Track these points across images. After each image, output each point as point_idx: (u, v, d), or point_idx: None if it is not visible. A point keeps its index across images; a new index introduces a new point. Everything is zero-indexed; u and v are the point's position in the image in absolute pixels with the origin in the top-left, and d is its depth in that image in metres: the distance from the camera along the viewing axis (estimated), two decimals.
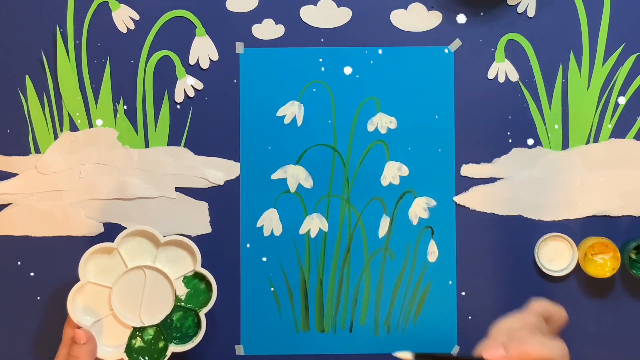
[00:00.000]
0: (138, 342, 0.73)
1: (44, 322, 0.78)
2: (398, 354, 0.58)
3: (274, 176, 0.79)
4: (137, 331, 0.73)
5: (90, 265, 0.72)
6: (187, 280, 0.74)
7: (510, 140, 0.79)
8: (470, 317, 0.78)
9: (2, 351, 0.79)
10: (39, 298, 0.78)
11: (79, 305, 0.72)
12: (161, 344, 0.73)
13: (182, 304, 0.73)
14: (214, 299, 0.73)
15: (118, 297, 0.72)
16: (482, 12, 0.79)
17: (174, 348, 0.73)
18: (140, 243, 0.73)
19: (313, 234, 0.79)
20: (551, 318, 0.61)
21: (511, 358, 0.55)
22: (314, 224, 0.79)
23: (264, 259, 0.79)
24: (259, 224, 0.79)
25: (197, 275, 0.74)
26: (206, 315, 0.73)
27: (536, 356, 0.54)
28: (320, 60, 0.79)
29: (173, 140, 0.79)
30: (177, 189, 0.79)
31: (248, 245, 0.79)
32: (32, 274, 0.78)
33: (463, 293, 0.78)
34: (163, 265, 0.73)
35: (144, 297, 0.72)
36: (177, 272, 0.73)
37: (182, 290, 0.74)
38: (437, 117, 0.79)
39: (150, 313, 0.73)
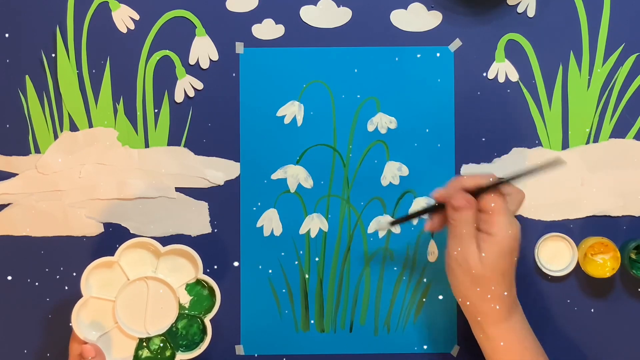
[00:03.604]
0: (145, 353, 0.73)
1: (45, 325, 0.79)
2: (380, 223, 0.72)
3: (274, 176, 0.79)
4: (143, 342, 0.73)
5: (92, 279, 0.72)
6: (189, 287, 0.74)
7: (510, 140, 0.79)
8: None
9: (2, 354, 0.79)
10: (39, 298, 0.78)
11: (84, 320, 0.72)
12: (168, 353, 0.73)
13: (187, 311, 0.73)
14: (218, 305, 0.73)
15: (122, 309, 0.72)
16: (482, 12, 0.79)
17: (181, 356, 0.73)
18: (140, 254, 0.73)
19: (313, 234, 0.79)
20: (511, 194, 0.70)
21: (449, 189, 0.68)
22: (314, 224, 0.79)
23: (264, 259, 0.79)
24: (259, 224, 0.79)
25: (200, 282, 0.74)
26: None
27: (470, 181, 0.67)
28: (320, 60, 0.79)
29: (173, 140, 0.79)
30: (177, 189, 0.79)
31: (248, 245, 0.79)
32: (32, 274, 0.78)
33: None
34: (165, 275, 0.73)
35: (148, 308, 0.72)
36: (179, 280, 0.73)
37: (186, 298, 0.74)
38: (437, 117, 0.79)
39: (155, 323, 0.73)
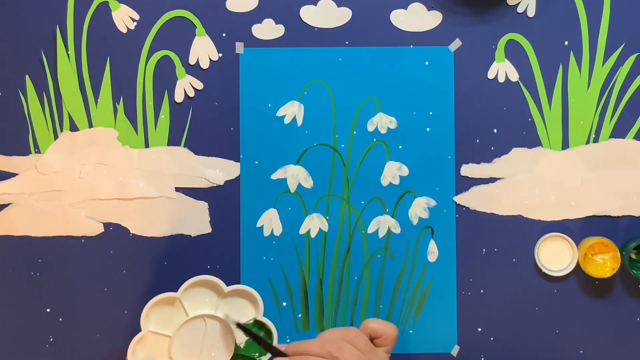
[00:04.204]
0: None
1: (46, 326, 0.79)
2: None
3: (274, 176, 0.79)
4: None
5: (152, 314, 0.71)
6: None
7: (510, 140, 0.79)
8: (470, 317, 0.78)
9: (1, 352, 0.79)
10: (39, 298, 0.78)
11: (139, 354, 0.71)
12: None
13: (242, 352, 0.73)
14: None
15: (178, 346, 0.71)
16: (482, 12, 0.79)
17: None
18: (203, 293, 0.72)
19: (313, 234, 0.79)
20: (380, 335, 0.66)
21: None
22: (314, 224, 0.79)
23: (264, 259, 0.79)
24: (259, 224, 0.79)
25: (257, 323, 0.73)
26: None
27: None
28: (320, 60, 0.79)
29: (173, 140, 0.79)
30: (177, 189, 0.79)
31: (248, 245, 0.79)
32: (32, 274, 0.78)
33: (463, 293, 0.78)
34: (224, 314, 0.72)
35: (204, 346, 0.72)
36: (237, 320, 0.72)
37: (242, 339, 0.73)
38: (437, 117, 0.79)
39: None
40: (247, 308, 0.73)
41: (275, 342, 0.72)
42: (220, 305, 0.72)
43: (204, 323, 0.72)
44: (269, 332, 0.72)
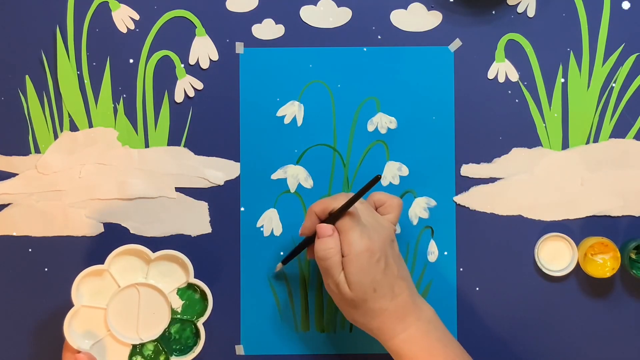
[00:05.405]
0: (139, 359, 0.73)
1: (44, 325, 0.79)
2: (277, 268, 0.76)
3: (274, 176, 0.79)
4: (136, 348, 0.73)
5: (82, 288, 0.72)
6: (181, 292, 0.74)
7: (510, 140, 0.79)
8: (470, 317, 0.78)
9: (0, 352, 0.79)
10: (39, 298, 0.78)
11: (76, 329, 0.72)
12: (162, 358, 0.73)
13: (179, 316, 0.74)
14: (210, 308, 0.73)
15: (114, 317, 0.72)
16: (482, 12, 0.79)
17: None
18: (130, 261, 0.73)
19: None
20: (384, 202, 0.71)
21: (306, 220, 0.70)
22: None
23: (264, 259, 0.79)
24: (259, 224, 0.79)
25: (191, 286, 0.74)
26: None
27: (319, 208, 0.69)
28: (320, 60, 0.79)
29: (173, 140, 0.79)
30: (177, 189, 0.79)
31: (248, 245, 0.79)
32: (32, 274, 0.78)
33: (463, 293, 0.78)
34: (156, 281, 0.73)
35: (140, 314, 0.73)
36: (170, 285, 0.73)
37: (178, 303, 0.74)
38: (437, 117, 0.79)
39: (147, 329, 0.73)
40: (177, 272, 0.74)
41: (209, 304, 0.74)
42: (150, 272, 0.73)
43: (137, 292, 0.73)
44: (204, 294, 0.73)
